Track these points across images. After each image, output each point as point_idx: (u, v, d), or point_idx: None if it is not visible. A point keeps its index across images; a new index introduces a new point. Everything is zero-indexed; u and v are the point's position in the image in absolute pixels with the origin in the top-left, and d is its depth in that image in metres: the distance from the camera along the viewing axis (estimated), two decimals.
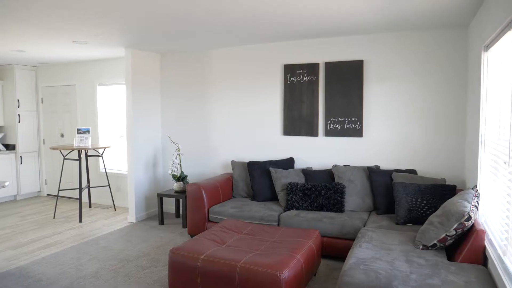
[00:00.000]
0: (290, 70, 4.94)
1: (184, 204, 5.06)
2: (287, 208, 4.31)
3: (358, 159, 4.65)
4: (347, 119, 4.64)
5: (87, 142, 5.73)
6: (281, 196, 4.49)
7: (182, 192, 5.20)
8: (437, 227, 2.93)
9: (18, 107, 6.93)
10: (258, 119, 5.20)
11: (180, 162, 5.31)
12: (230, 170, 5.44)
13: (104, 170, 6.54)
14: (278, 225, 4.17)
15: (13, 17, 3.65)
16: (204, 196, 4.50)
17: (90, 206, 6.37)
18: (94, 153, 6.56)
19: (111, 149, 6.53)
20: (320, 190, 4.23)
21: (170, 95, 5.84)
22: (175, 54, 5.75)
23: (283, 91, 5.01)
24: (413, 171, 4.23)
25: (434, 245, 2.91)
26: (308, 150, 4.91)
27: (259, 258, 2.91)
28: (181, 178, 5.24)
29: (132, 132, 5.40)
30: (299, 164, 4.98)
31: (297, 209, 4.27)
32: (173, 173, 5.26)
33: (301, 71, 4.88)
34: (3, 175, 6.76)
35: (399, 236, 3.26)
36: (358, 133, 4.59)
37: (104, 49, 5.40)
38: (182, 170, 5.60)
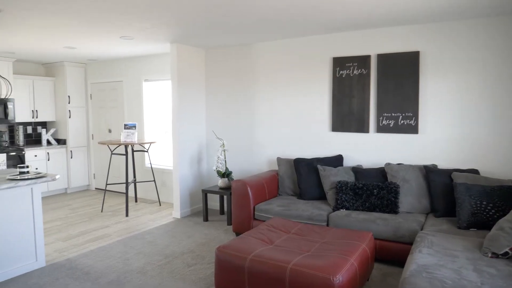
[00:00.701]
0: (339, 63, 4.71)
1: (228, 201, 4.98)
2: (336, 208, 4.11)
3: (413, 157, 4.36)
4: (401, 114, 4.36)
5: (133, 137, 5.79)
6: (330, 195, 4.29)
7: (226, 189, 5.12)
8: (509, 234, 2.64)
9: (69, 103, 7.14)
10: (305, 114, 5.02)
11: (225, 158, 5.24)
12: (275, 167, 5.30)
13: (149, 165, 6.61)
14: (327, 225, 3.98)
15: (63, 11, 3.69)
16: (250, 193, 4.38)
17: (136, 201, 6.46)
18: (140, 148, 6.64)
19: (156, 145, 6.58)
20: (372, 189, 4.00)
21: (215, 91, 5.78)
22: (220, 49, 5.68)
23: (332, 85, 4.79)
24: (475, 171, 3.90)
25: (506, 253, 2.63)
26: (358, 147, 4.67)
27: (310, 260, 2.75)
28: (226, 174, 5.16)
29: (177, 127, 5.38)
30: (348, 162, 4.75)
31: (347, 209, 4.06)
32: (218, 169, 5.20)
33: (351, 64, 4.64)
34: (55, 169, 7.00)
35: (462, 241, 2.99)
36: (413, 129, 4.30)
37: (150, 45, 5.42)
38: (227, 166, 5.52)
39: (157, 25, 4.22)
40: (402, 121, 4.36)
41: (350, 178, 4.30)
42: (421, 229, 3.56)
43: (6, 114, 6.43)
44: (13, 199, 3.58)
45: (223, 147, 5.26)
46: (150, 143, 5.86)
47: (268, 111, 5.30)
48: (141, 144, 5.85)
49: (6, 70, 6.41)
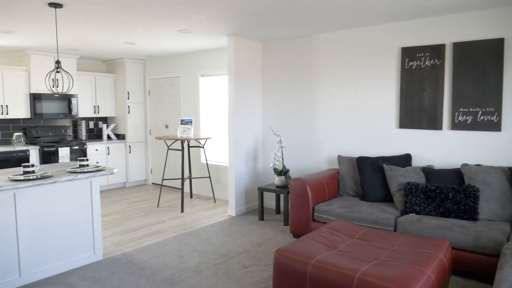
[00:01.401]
0: (408, 53, 4.32)
1: (285, 200, 4.76)
2: (405, 212, 3.75)
3: (494, 158, 3.88)
4: (481, 109, 3.89)
5: (189, 132, 5.74)
6: (397, 197, 3.93)
7: (283, 187, 4.90)
8: None
9: (128, 98, 7.28)
10: (369, 110, 4.66)
11: (282, 155, 5.02)
12: (335, 166, 5.00)
13: (205, 162, 6.55)
14: (395, 230, 3.64)
15: (125, 5, 3.65)
16: (309, 192, 4.13)
17: (191, 197, 6.43)
18: (196, 144, 6.60)
19: (212, 141, 6.51)
20: (447, 192, 3.59)
21: (272, 85, 5.57)
22: (278, 42, 5.46)
23: (400, 78, 4.41)
24: None
25: None
26: (428, 145, 4.26)
27: (380, 270, 2.46)
28: (283, 172, 4.94)
29: (233, 123, 5.24)
30: (417, 162, 4.34)
31: (417, 213, 3.68)
32: (274, 166, 4.99)
33: (422, 55, 4.23)
34: (115, 163, 7.17)
35: None
36: (495, 126, 3.83)
37: (207, 39, 5.33)
38: (284, 163, 5.30)
39: (214, 16, 4.09)
40: (481, 117, 3.90)
41: (420, 179, 3.91)
42: (507, 240, 3.12)
43: (70, 110, 6.66)
44: (72, 192, 3.61)
45: (281, 143, 5.04)
46: (206, 138, 5.78)
47: (329, 106, 5.01)
48: (197, 140, 5.79)
49: (71, 66, 6.64)
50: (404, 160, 4.25)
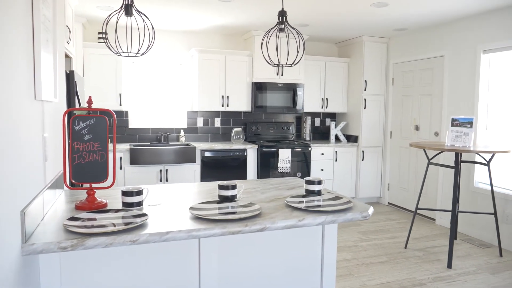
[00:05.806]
0: None
1: None
2: None
3: None
4: None
5: (467, 140, 3.58)
6: None
7: None
8: None
9: (365, 90, 5.56)
10: None
11: None
12: None
13: (481, 186, 4.23)
14: None
15: None
16: None
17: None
18: (470, 158, 4.33)
19: (500, 155, 4.12)
20: None
21: None
22: None
23: None
24: None
25: None
26: None
27: None
28: None
29: None
30: None
31: None
32: None
33: None
34: (342, 172, 5.57)
35: None
36: None
37: None
38: None
39: None
40: None
41: None
42: None
43: (294, 103, 5.41)
44: (290, 238, 2.08)
45: None
46: (494, 152, 3.47)
47: None
48: (479, 153, 3.57)
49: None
50: None
